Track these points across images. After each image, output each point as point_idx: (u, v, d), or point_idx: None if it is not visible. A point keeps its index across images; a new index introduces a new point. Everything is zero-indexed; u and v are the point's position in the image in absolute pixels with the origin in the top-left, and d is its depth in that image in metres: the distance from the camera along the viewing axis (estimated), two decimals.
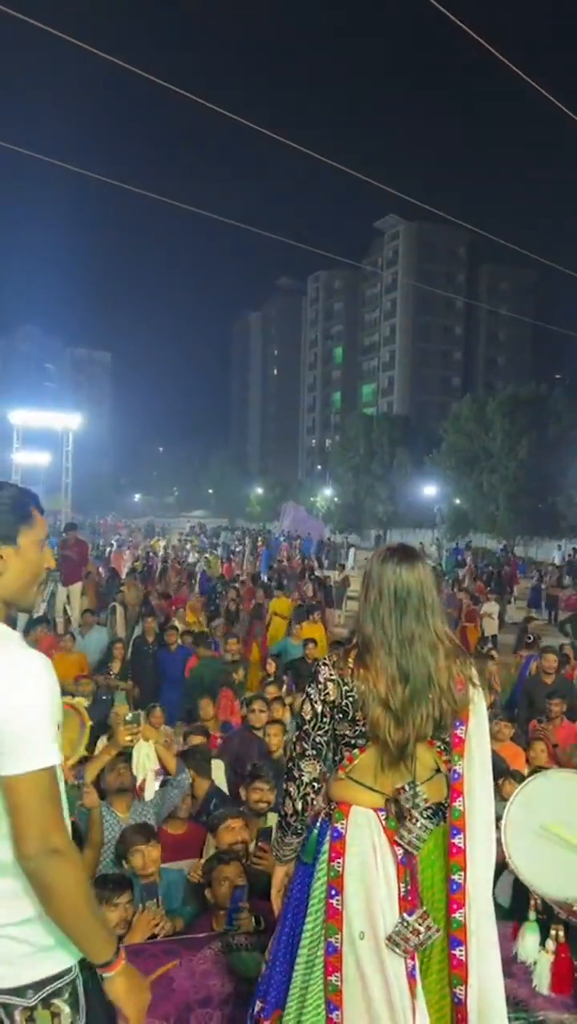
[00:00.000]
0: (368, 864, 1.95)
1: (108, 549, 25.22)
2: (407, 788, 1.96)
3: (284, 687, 6.99)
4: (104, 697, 6.93)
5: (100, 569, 16.83)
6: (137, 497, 75.04)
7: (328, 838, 2.00)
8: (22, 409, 24.55)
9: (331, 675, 2.00)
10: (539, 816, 2.71)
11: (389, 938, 1.90)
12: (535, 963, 2.88)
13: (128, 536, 36.44)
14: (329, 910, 1.95)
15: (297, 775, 2.02)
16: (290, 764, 2.05)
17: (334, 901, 1.95)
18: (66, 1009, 1.53)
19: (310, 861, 2.03)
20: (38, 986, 1.50)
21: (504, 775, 4.11)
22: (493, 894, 3.22)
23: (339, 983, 1.93)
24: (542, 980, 2.84)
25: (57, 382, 70.79)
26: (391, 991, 1.88)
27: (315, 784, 2.02)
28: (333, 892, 1.96)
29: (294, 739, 2.06)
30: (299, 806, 2.01)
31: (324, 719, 1.99)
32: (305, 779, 2.01)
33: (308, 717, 2.02)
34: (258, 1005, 2.09)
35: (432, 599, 2.02)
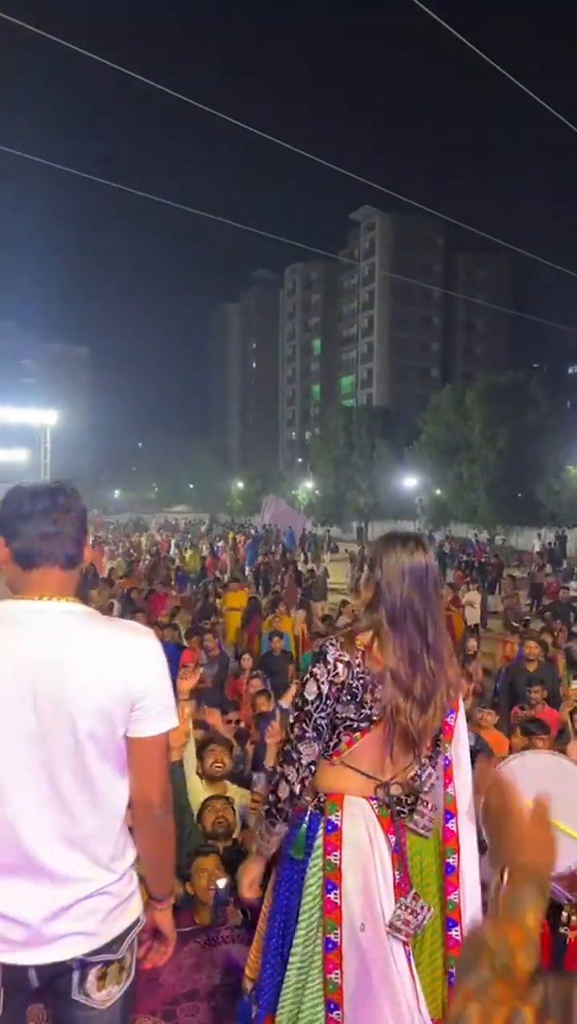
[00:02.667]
0: (366, 854, 1.92)
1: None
2: (420, 772, 1.98)
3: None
4: None
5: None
6: (117, 493, 74.53)
7: (321, 831, 1.96)
8: None
9: (341, 655, 1.95)
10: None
11: (391, 924, 1.89)
12: None
13: (111, 533, 36.23)
14: (327, 905, 1.91)
15: (296, 757, 1.96)
16: (287, 747, 1.98)
17: (332, 895, 1.91)
18: (129, 959, 1.63)
19: (301, 857, 1.98)
20: (120, 939, 1.59)
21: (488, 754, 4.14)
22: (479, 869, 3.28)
23: (339, 980, 1.87)
24: None
25: (34, 378, 70.05)
26: (400, 979, 1.88)
27: (312, 767, 1.97)
28: (331, 886, 1.92)
29: (292, 721, 1.99)
30: (296, 789, 1.96)
31: (328, 700, 1.94)
32: (304, 761, 1.95)
33: (312, 698, 1.95)
34: (253, 1010, 2.05)
35: (440, 586, 2.08)
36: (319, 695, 1.94)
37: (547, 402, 34.51)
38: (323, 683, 1.94)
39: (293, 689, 3.09)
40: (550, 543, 28.96)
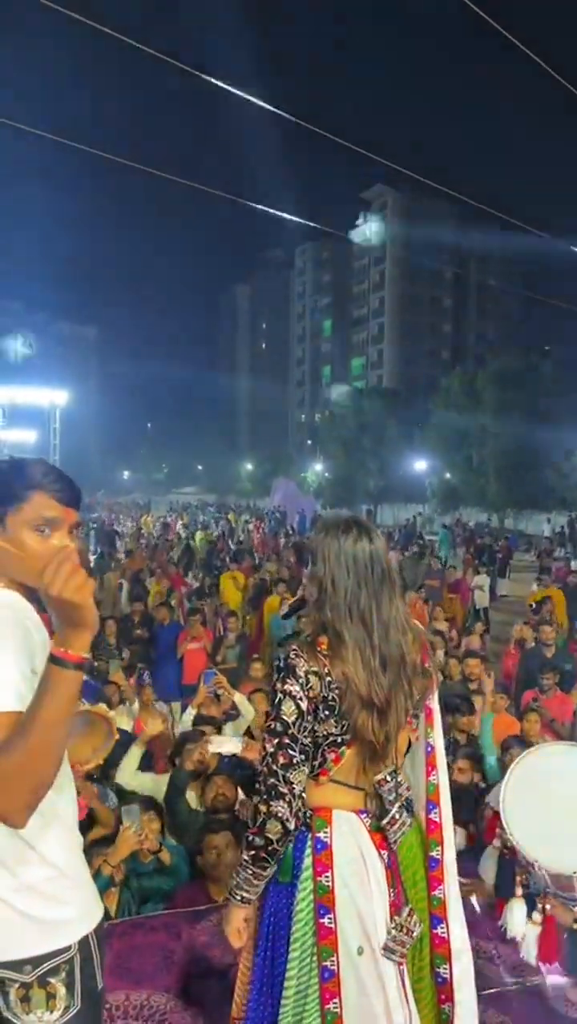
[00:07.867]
0: (359, 873, 1.79)
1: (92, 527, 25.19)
2: (388, 779, 1.83)
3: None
4: (96, 673, 6.98)
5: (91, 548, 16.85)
6: (126, 474, 74.73)
7: (309, 850, 1.81)
8: (6, 386, 24.22)
9: (311, 667, 1.77)
10: (536, 792, 2.72)
11: (385, 946, 1.77)
12: (523, 936, 2.90)
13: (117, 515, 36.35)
14: (320, 931, 1.78)
15: (287, 789, 1.74)
16: (272, 780, 1.75)
17: (325, 920, 1.77)
18: (62, 990, 1.48)
19: (288, 881, 1.82)
20: (36, 962, 1.45)
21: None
22: (477, 872, 3.24)
23: (338, 1009, 1.75)
24: (530, 952, 2.88)
25: (42, 358, 70.01)
26: (394, 1005, 1.77)
27: (304, 796, 1.79)
28: (323, 911, 1.77)
29: (274, 750, 1.76)
30: (291, 825, 1.75)
31: (308, 718, 1.76)
32: (296, 791, 1.75)
33: (293, 719, 1.75)
34: None
35: (395, 573, 1.90)
36: (300, 713, 1.75)
37: (558, 386, 34.25)
38: (300, 700, 1.75)
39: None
40: (562, 527, 28.83)
